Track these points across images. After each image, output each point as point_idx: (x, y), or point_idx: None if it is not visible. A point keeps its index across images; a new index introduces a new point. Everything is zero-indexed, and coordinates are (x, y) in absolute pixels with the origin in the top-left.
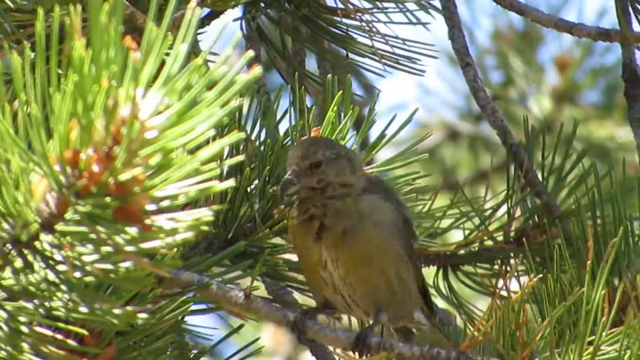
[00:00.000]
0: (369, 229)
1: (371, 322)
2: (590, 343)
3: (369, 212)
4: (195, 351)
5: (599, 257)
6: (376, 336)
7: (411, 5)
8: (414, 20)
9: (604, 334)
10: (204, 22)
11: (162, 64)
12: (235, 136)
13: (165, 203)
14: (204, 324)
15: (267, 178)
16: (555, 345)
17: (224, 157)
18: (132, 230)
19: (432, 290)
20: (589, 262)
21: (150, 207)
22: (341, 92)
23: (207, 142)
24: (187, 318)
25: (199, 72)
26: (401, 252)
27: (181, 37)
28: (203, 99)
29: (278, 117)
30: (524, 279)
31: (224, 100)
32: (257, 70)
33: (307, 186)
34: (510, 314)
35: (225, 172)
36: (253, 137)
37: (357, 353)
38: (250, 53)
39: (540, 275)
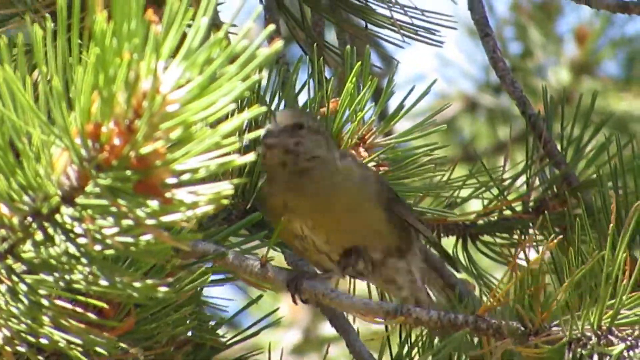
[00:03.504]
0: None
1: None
2: (610, 307)
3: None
4: (213, 322)
5: (620, 225)
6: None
7: None
8: None
9: (624, 297)
10: None
11: (183, 37)
12: (256, 110)
13: (185, 176)
14: (220, 295)
15: None
16: (575, 308)
17: (244, 130)
18: (153, 204)
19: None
20: (611, 224)
21: (171, 180)
22: (359, 63)
23: (227, 115)
24: (204, 289)
25: (220, 46)
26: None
27: (202, 10)
28: (224, 72)
29: (297, 88)
30: (542, 248)
31: (245, 74)
32: (278, 44)
33: (284, 145)
34: (529, 278)
35: (244, 145)
36: (272, 108)
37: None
38: (271, 27)
39: (560, 237)
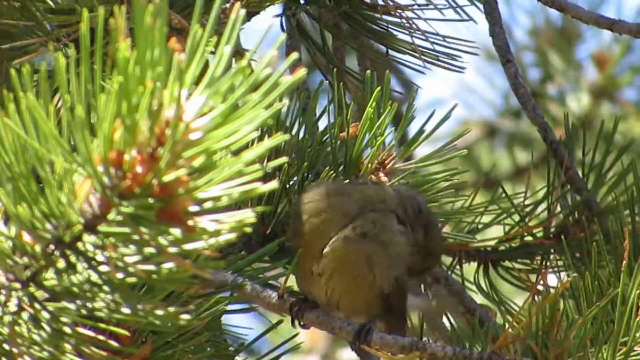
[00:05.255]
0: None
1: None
2: (624, 344)
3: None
4: (231, 349)
5: (637, 255)
6: (379, 333)
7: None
8: (454, 17)
9: (637, 334)
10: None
11: (206, 65)
12: (278, 138)
13: (208, 204)
14: (240, 323)
15: (305, 174)
16: (589, 345)
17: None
18: (175, 232)
19: (472, 287)
20: (624, 261)
21: (194, 208)
22: (379, 88)
23: (250, 143)
24: (223, 317)
25: (243, 74)
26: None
27: (225, 38)
28: (247, 100)
29: (317, 113)
30: (563, 275)
31: (268, 102)
32: (301, 72)
33: None
34: (544, 314)
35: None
36: (292, 133)
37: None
38: (294, 55)
39: (575, 275)
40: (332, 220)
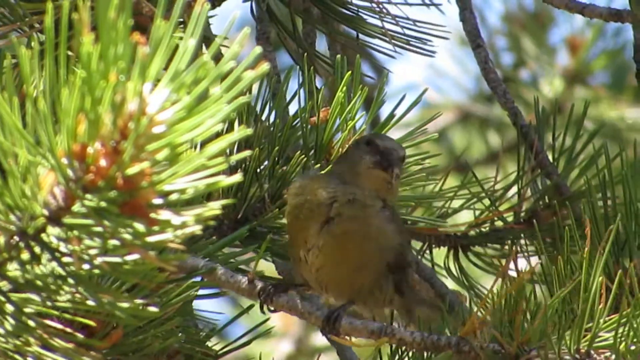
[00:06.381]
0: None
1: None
2: (588, 330)
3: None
4: (204, 333)
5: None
6: (348, 318)
7: None
8: (425, 1)
9: (601, 321)
10: (215, 3)
11: (172, 57)
12: (241, 132)
13: (173, 197)
14: (211, 308)
15: (276, 158)
16: (552, 333)
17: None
18: (139, 225)
19: (442, 272)
20: (586, 249)
21: (157, 201)
22: (350, 72)
23: (214, 136)
24: (194, 302)
25: (207, 68)
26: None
27: (190, 31)
28: (211, 94)
29: (288, 98)
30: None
31: (232, 96)
32: (265, 67)
33: (397, 174)
34: (510, 302)
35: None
36: (262, 117)
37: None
38: (258, 49)
39: (539, 262)
40: (311, 215)
